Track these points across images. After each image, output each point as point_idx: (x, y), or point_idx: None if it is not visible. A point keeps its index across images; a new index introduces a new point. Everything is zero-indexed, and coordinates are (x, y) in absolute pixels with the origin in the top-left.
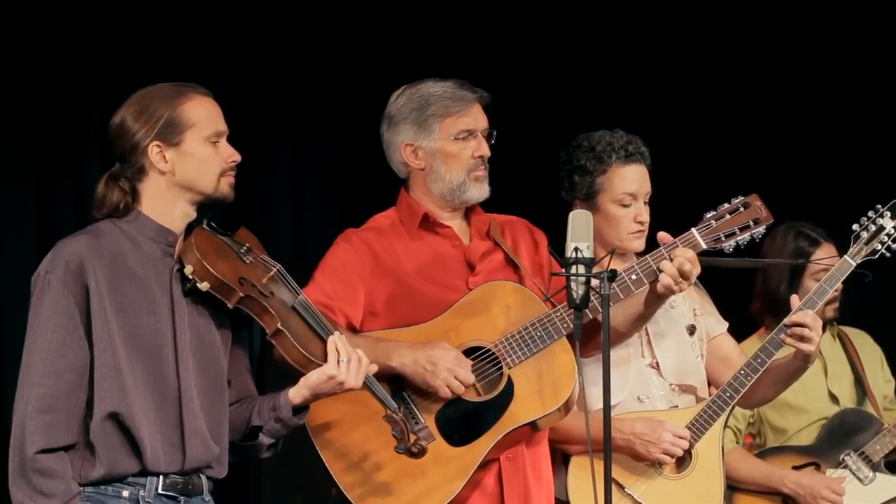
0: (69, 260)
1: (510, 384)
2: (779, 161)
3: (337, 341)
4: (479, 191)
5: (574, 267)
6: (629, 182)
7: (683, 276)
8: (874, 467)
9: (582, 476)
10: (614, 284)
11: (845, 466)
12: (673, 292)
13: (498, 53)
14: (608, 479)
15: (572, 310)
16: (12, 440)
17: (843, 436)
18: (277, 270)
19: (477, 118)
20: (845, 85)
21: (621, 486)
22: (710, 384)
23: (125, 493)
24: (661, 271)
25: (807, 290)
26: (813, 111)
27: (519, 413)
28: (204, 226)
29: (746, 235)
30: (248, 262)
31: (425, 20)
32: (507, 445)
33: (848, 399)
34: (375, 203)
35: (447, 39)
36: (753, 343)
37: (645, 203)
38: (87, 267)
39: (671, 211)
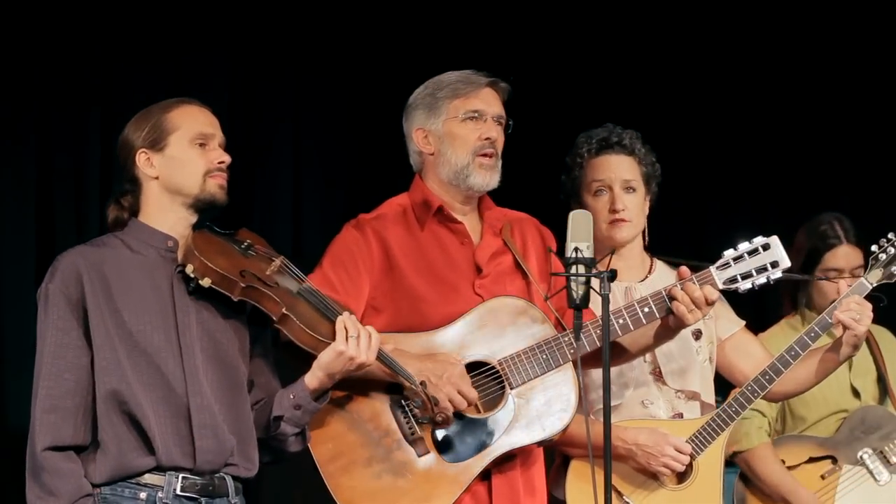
0: (64, 269)
1: (510, 405)
2: (778, 155)
3: (345, 320)
4: (484, 178)
5: (574, 267)
6: (598, 171)
7: (696, 303)
8: (892, 468)
9: (581, 481)
10: (626, 315)
11: (863, 464)
12: (688, 322)
13: (510, 52)
14: (608, 486)
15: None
16: (28, 444)
17: (863, 432)
18: (281, 261)
19: (488, 101)
20: (844, 80)
21: (620, 494)
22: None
23: (142, 496)
24: (673, 299)
25: (820, 288)
26: (811, 106)
27: (515, 436)
28: (204, 228)
29: (762, 278)
30: (249, 256)
31: (426, 19)
32: (500, 459)
33: (870, 395)
34: (375, 200)
35: (449, 38)
36: (776, 332)
37: (626, 191)
38: (82, 274)
39: (671, 204)
